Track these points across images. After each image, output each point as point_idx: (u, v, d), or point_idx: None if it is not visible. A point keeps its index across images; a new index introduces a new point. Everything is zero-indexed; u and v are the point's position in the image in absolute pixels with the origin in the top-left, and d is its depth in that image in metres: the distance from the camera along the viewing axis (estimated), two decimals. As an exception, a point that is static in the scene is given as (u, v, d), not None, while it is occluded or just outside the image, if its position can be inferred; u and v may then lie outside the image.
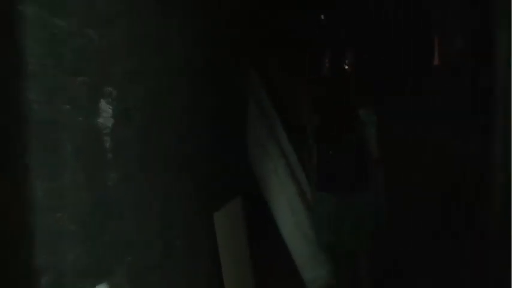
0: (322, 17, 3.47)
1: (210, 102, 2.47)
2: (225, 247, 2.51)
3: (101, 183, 1.51)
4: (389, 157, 2.66)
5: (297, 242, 2.91)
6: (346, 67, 2.60)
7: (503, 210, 2.66)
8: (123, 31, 1.64)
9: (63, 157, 1.32)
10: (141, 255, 1.74)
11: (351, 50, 2.64)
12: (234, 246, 2.71)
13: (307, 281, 2.85)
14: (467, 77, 3.13)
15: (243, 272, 2.77)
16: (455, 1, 3.29)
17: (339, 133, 2.52)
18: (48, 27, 1.27)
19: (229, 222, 2.66)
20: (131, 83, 1.68)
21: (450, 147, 3.13)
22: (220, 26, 2.68)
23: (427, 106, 3.23)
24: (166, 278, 1.96)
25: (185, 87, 2.19)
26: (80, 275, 1.38)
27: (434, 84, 3.36)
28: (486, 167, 2.88)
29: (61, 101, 1.32)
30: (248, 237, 2.88)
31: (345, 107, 2.54)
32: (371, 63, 3.27)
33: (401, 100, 3.30)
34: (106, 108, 1.52)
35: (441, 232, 2.96)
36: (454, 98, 3.16)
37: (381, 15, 3.45)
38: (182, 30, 2.15)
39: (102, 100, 1.50)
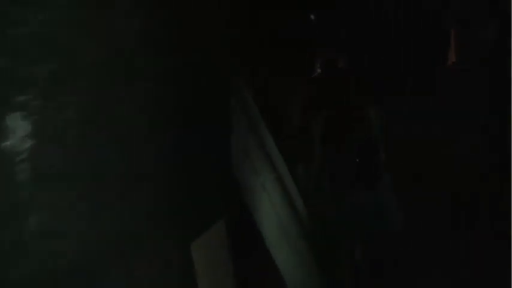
0: (312, 17, 3.45)
1: (179, 108, 2.04)
2: (207, 283, 2.13)
3: (12, 232, 1.09)
4: (389, 157, 2.66)
5: (287, 261, 2.70)
6: (344, 67, 2.61)
7: (503, 210, 2.67)
8: (48, 15, 1.17)
9: None
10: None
11: (348, 50, 2.65)
12: (217, 280, 2.35)
13: None
14: (473, 76, 3.14)
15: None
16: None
17: (346, 133, 2.52)
18: None
19: (211, 253, 2.27)
20: (62, 88, 1.22)
21: (450, 147, 3.13)
22: (194, 18, 2.22)
23: (427, 106, 3.23)
24: None
25: (143, 91, 1.70)
26: None
27: (437, 84, 3.36)
28: (486, 167, 2.89)
29: None
30: (234, 266, 2.52)
31: (349, 107, 2.55)
32: (373, 63, 3.27)
33: (402, 100, 3.31)
34: (19, 125, 1.10)
35: (441, 232, 2.97)
36: (454, 97, 3.17)
37: (382, 14, 3.46)
38: (141, 18, 1.68)
39: (11, 114, 1.08)
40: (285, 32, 3.27)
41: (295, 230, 2.71)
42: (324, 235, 2.63)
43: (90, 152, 1.34)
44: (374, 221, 2.49)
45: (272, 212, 2.70)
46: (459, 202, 3.02)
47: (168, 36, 1.95)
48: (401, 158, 3.03)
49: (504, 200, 2.71)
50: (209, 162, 2.35)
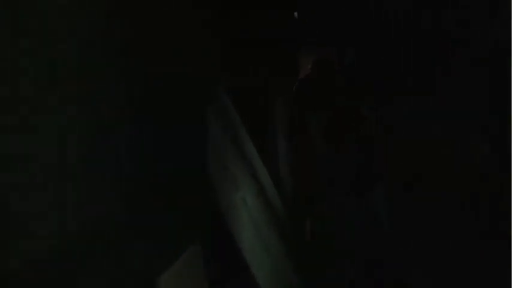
0: (296, 14, 3.42)
1: (148, 114, 1.83)
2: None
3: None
4: (389, 157, 2.67)
5: (270, 281, 2.47)
6: (338, 67, 2.62)
7: (503, 210, 2.67)
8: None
9: None
10: None
11: (347, 49, 2.65)
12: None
13: None
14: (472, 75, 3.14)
15: None
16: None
17: (345, 134, 2.53)
18: None
19: (184, 283, 1.97)
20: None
21: (450, 147, 3.13)
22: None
23: (427, 106, 3.23)
24: None
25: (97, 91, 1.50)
26: None
27: (437, 84, 3.36)
28: (486, 167, 2.88)
29: None
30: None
31: (348, 108, 2.55)
32: (373, 63, 3.27)
33: (402, 100, 3.30)
34: None
35: (441, 232, 2.97)
36: (454, 97, 3.17)
37: (382, 15, 3.45)
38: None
39: None
40: (277, 32, 3.24)
41: (279, 247, 2.49)
42: (317, 247, 2.61)
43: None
44: (370, 224, 2.50)
45: (254, 229, 2.45)
46: (459, 202, 3.02)
47: (135, 35, 1.79)
48: (401, 158, 3.03)
49: (504, 200, 2.71)
50: (182, 175, 2.09)
